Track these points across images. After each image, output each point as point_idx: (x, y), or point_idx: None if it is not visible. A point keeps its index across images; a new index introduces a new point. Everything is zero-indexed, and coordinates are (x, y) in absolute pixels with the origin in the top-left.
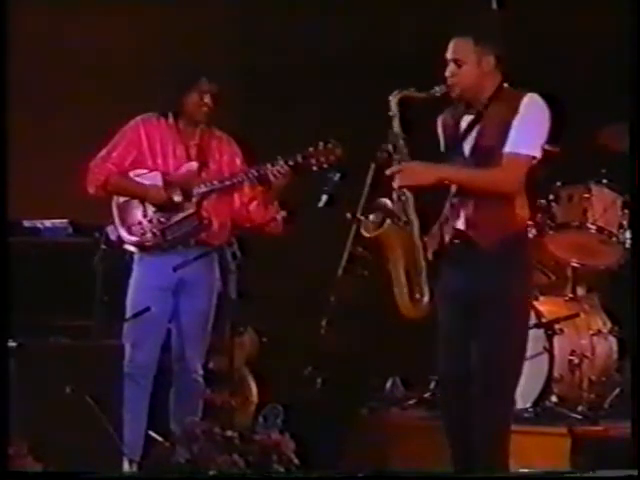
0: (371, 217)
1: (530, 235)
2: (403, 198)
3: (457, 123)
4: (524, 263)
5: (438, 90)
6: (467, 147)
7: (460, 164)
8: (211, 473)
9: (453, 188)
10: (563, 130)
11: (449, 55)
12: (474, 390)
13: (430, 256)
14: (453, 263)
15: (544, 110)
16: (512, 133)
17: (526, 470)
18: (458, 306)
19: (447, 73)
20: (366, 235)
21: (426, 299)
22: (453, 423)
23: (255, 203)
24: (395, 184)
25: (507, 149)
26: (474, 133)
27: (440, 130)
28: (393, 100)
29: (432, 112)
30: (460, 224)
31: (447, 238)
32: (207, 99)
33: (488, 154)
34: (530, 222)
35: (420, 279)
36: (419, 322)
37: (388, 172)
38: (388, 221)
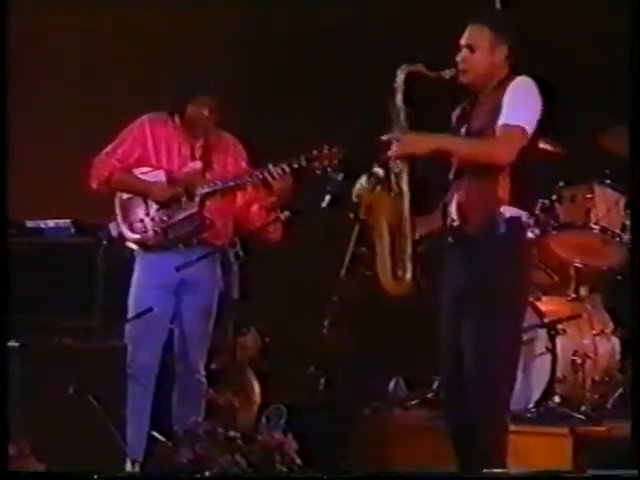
0: (363, 181)
1: (523, 227)
2: (397, 171)
3: (463, 112)
4: (514, 256)
5: (448, 72)
6: (463, 130)
7: None
8: (208, 473)
9: (451, 174)
10: (563, 129)
11: (463, 41)
12: (469, 387)
13: (417, 236)
14: (448, 252)
15: (533, 88)
16: (503, 109)
17: (526, 470)
18: (452, 302)
19: (459, 58)
20: (354, 199)
21: (408, 276)
22: (453, 421)
23: (256, 206)
24: (391, 153)
25: (499, 123)
26: (471, 117)
27: (453, 123)
28: (400, 73)
29: (436, 95)
30: (453, 210)
31: (444, 227)
32: (206, 112)
33: (479, 135)
34: (513, 205)
35: (404, 256)
36: (418, 321)
37: (385, 137)
38: (379, 187)
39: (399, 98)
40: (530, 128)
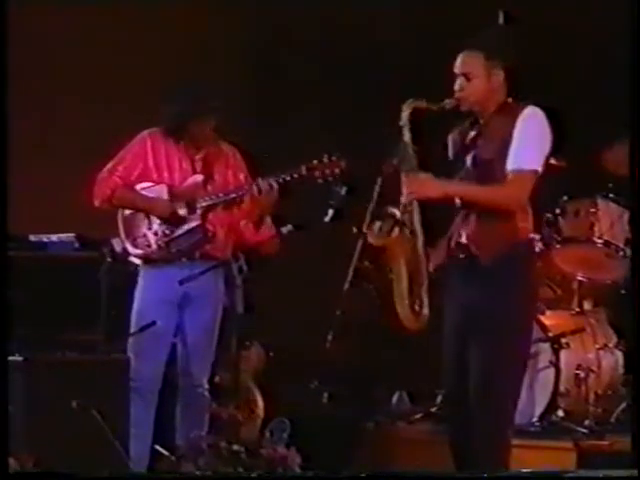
0: (379, 225)
1: (535, 249)
2: (409, 209)
3: (464, 138)
4: (526, 278)
5: (448, 103)
6: (469, 160)
7: (463, 176)
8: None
9: (458, 202)
10: (567, 144)
11: (458, 69)
12: (473, 405)
13: (432, 269)
14: (456, 277)
15: (544, 123)
16: (513, 148)
17: (526, 470)
18: (460, 321)
19: (456, 87)
20: (372, 243)
21: (426, 311)
22: (456, 435)
23: (245, 221)
24: (403, 198)
25: (510, 166)
26: (476, 146)
27: (450, 147)
28: (405, 111)
29: (441, 123)
30: (463, 238)
31: (452, 252)
32: (209, 129)
33: (488, 166)
34: (533, 235)
35: (421, 291)
36: (421, 335)
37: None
38: (396, 230)
39: (407, 135)
40: (541, 166)
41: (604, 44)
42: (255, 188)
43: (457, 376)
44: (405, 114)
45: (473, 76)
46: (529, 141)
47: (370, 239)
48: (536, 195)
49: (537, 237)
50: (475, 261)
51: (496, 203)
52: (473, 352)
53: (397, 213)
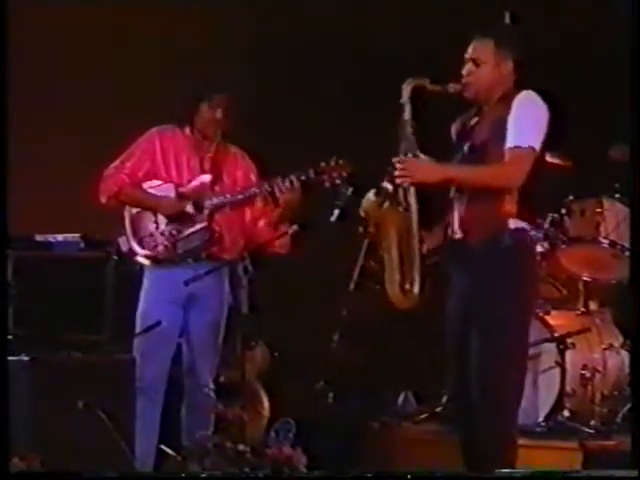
0: (370, 196)
1: (526, 237)
2: (405, 185)
3: (464, 127)
4: (518, 267)
5: (452, 87)
6: (466, 146)
7: (459, 161)
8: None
9: (453, 191)
10: (572, 143)
11: (468, 54)
12: (476, 398)
13: (425, 250)
14: (452, 265)
15: (539, 104)
16: (510, 129)
17: (528, 470)
18: (457, 310)
19: (464, 72)
20: (363, 215)
21: (416, 290)
22: (463, 434)
23: (263, 221)
24: (399, 180)
25: (507, 145)
26: (474, 133)
27: (453, 136)
28: (406, 88)
29: (442, 108)
30: (456, 223)
31: (447, 237)
32: (219, 114)
33: (482, 150)
34: (519, 218)
35: (412, 269)
36: (425, 335)
37: (395, 160)
38: (387, 203)
39: (407, 113)
40: (539, 145)
41: (606, 43)
42: (277, 187)
43: (460, 371)
44: (406, 91)
45: (482, 62)
46: (525, 120)
47: (361, 211)
48: (529, 183)
49: (528, 227)
50: (466, 246)
51: (495, 183)
52: (473, 345)
53: (389, 187)
